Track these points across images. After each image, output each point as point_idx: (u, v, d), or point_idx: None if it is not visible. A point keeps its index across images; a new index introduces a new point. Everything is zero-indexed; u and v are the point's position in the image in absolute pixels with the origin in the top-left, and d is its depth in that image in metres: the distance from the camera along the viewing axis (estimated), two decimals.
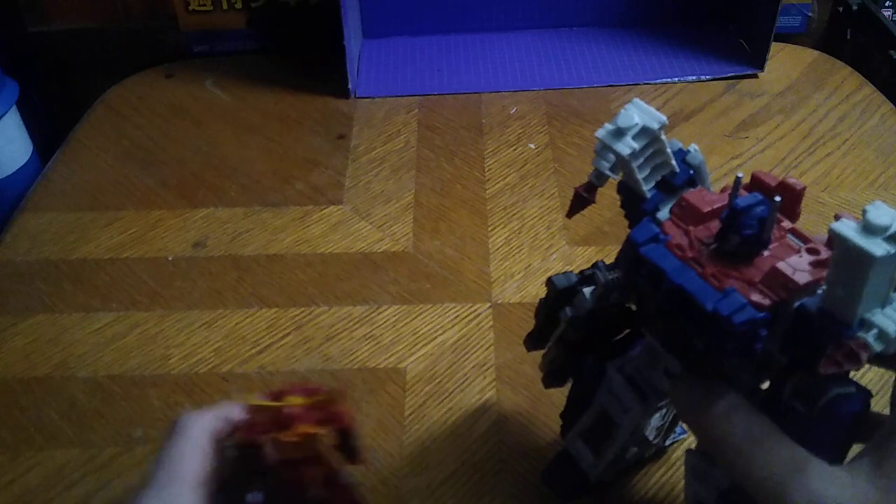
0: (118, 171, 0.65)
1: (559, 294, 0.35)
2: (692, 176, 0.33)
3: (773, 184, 0.30)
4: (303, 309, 0.52)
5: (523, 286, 0.53)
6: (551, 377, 0.38)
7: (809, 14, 0.79)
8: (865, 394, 0.28)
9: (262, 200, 0.61)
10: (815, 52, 0.76)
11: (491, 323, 0.51)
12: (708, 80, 0.72)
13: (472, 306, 0.52)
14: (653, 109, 0.31)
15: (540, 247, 0.56)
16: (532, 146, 0.66)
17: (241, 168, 0.64)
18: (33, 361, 0.49)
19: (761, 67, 0.72)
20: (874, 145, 0.64)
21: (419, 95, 0.72)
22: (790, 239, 0.29)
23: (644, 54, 0.75)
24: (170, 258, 0.56)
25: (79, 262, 0.56)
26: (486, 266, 0.55)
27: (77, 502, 0.42)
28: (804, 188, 0.30)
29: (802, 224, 0.27)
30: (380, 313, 0.52)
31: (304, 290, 0.54)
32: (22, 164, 0.69)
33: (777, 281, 0.26)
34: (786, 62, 0.74)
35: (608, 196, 0.59)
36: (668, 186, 0.32)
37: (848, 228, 0.24)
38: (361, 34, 0.79)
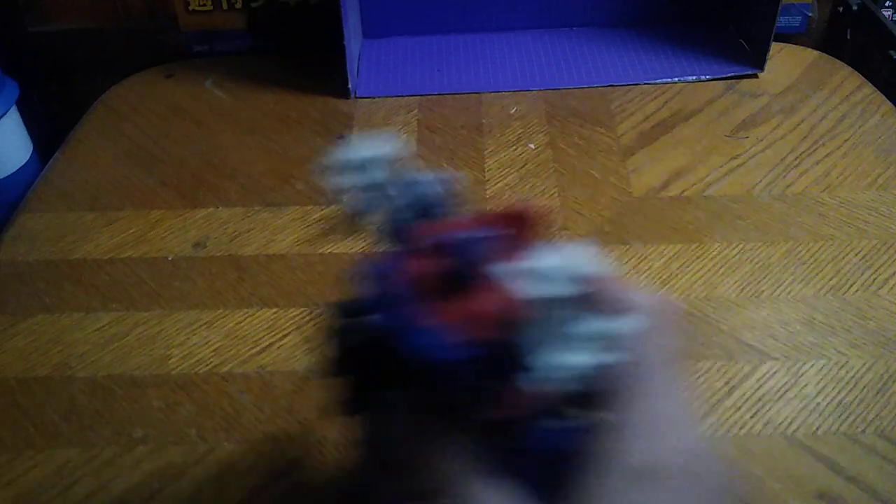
0: (118, 171, 0.65)
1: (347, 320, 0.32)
2: (444, 203, 0.32)
3: (523, 213, 0.28)
4: (303, 309, 0.52)
5: None
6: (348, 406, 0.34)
7: (809, 14, 0.79)
8: (579, 430, 0.27)
9: (262, 200, 0.61)
10: (816, 52, 0.76)
11: None
12: (708, 80, 0.72)
13: None
14: (384, 140, 0.30)
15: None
16: (532, 146, 0.66)
17: (241, 168, 0.64)
18: (33, 361, 0.49)
19: (761, 67, 0.72)
20: (874, 145, 0.64)
21: (419, 95, 0.72)
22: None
23: (644, 54, 0.75)
24: (170, 258, 0.56)
25: (79, 262, 0.56)
26: None
27: (77, 502, 0.42)
28: (540, 217, 0.28)
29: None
30: None
31: (304, 290, 0.53)
32: (22, 164, 0.69)
33: (487, 318, 0.25)
34: (786, 62, 0.74)
35: (609, 196, 0.59)
36: (422, 214, 0.31)
37: (519, 268, 0.23)
38: (361, 34, 0.79)
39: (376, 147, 0.29)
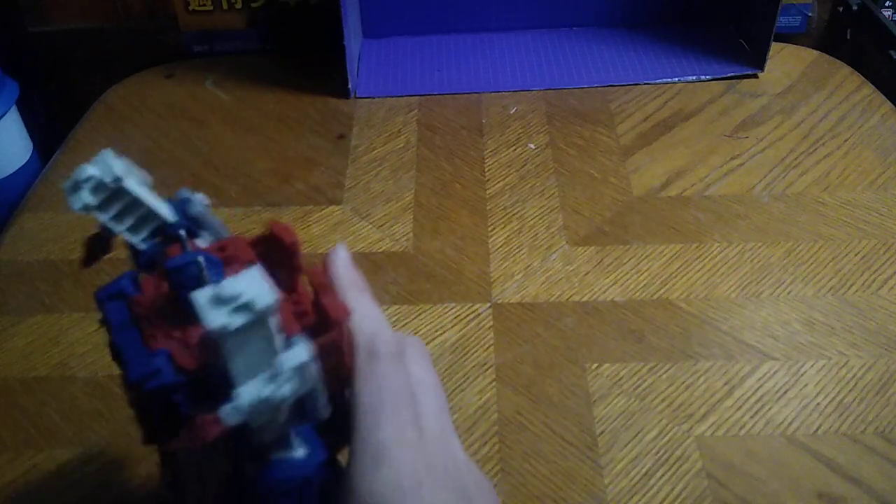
0: None
1: None
2: (190, 226, 0.31)
3: (288, 238, 0.28)
4: None
5: (523, 286, 0.53)
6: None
7: (809, 14, 0.79)
8: (318, 455, 0.26)
9: (261, 200, 0.61)
10: (815, 52, 0.76)
11: (491, 323, 0.51)
12: (708, 80, 0.72)
13: (472, 306, 0.52)
14: (118, 162, 0.28)
15: (540, 247, 0.56)
16: (532, 146, 0.66)
17: (240, 168, 0.64)
18: (33, 361, 0.49)
19: (761, 67, 0.72)
20: (874, 145, 0.64)
21: (419, 95, 0.72)
22: None
23: (644, 54, 0.75)
24: None
25: (78, 263, 0.56)
26: (486, 266, 0.55)
27: (77, 502, 0.42)
28: (294, 242, 0.27)
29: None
30: None
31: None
32: (22, 164, 0.69)
33: (192, 346, 0.25)
34: (786, 62, 0.74)
35: (609, 196, 0.59)
36: (168, 237, 0.30)
37: (202, 296, 0.22)
38: (361, 34, 0.79)
39: (112, 167, 0.28)
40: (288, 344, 0.24)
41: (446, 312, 0.52)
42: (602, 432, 0.45)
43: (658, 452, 0.44)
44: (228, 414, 0.23)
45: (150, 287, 0.28)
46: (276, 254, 0.27)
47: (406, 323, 0.51)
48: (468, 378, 0.48)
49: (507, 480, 0.43)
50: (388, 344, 0.27)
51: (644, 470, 0.43)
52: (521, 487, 0.42)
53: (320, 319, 0.27)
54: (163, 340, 0.25)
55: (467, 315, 0.52)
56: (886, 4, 0.80)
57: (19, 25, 0.79)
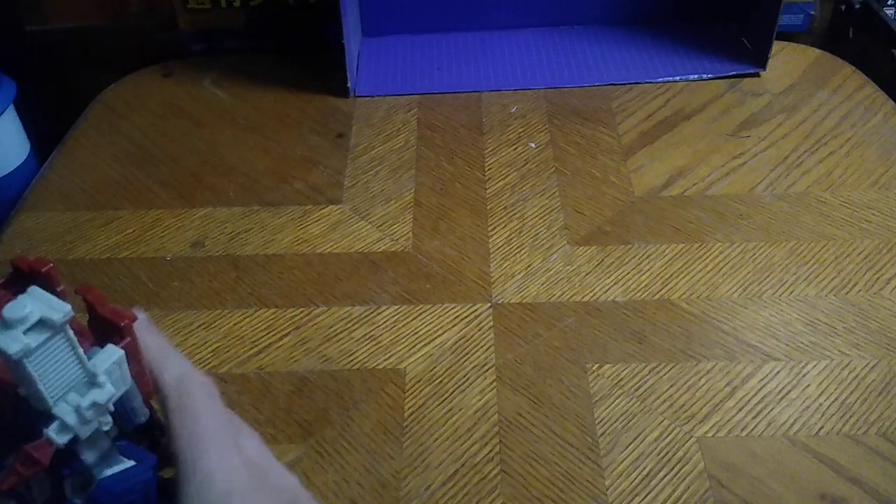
0: (116, 170, 0.64)
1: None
2: None
3: (42, 267, 0.26)
4: (301, 309, 0.52)
5: (524, 286, 0.53)
6: None
7: (811, 12, 0.79)
8: (149, 460, 0.27)
9: (260, 200, 0.61)
10: (818, 51, 0.75)
11: (491, 323, 0.51)
12: (710, 79, 0.72)
13: (472, 306, 0.52)
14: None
15: (540, 247, 0.56)
16: (532, 145, 0.65)
17: (239, 167, 0.64)
18: None
19: (763, 66, 0.72)
20: (876, 144, 0.64)
21: (419, 94, 0.71)
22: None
23: (645, 53, 0.75)
24: (168, 258, 0.56)
25: (76, 262, 0.56)
26: (486, 266, 0.55)
27: None
28: (51, 269, 0.26)
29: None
30: (379, 314, 0.51)
31: (302, 291, 0.53)
32: (19, 163, 0.68)
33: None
34: (788, 61, 0.74)
35: (610, 195, 0.59)
36: None
37: None
38: (361, 32, 0.78)
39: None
40: (90, 355, 0.24)
41: (446, 312, 0.51)
42: (603, 433, 0.44)
43: (659, 454, 0.43)
44: (56, 431, 0.23)
45: None
46: (32, 283, 0.26)
47: (406, 323, 0.51)
48: (468, 379, 0.47)
49: (508, 482, 0.42)
50: (197, 380, 0.29)
51: (645, 471, 0.43)
52: (522, 489, 0.42)
53: (104, 332, 0.26)
54: None
55: (467, 315, 0.51)
56: (889, 3, 0.80)
57: (17, 24, 0.78)
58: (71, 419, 0.23)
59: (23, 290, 0.24)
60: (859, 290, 0.52)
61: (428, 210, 0.59)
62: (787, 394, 0.46)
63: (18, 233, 0.59)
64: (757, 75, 0.72)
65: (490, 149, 0.65)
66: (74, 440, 0.24)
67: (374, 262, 0.55)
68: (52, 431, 0.23)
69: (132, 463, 0.26)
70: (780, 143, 0.65)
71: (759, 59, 0.72)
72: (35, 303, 0.23)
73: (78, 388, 0.24)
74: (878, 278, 0.53)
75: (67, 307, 0.23)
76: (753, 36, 0.74)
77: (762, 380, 0.47)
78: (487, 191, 0.61)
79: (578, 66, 0.74)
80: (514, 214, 0.59)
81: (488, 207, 0.59)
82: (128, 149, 0.67)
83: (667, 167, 0.62)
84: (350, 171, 0.63)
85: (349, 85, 0.71)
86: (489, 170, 0.63)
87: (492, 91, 0.71)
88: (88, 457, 0.25)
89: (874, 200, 0.59)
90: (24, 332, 0.22)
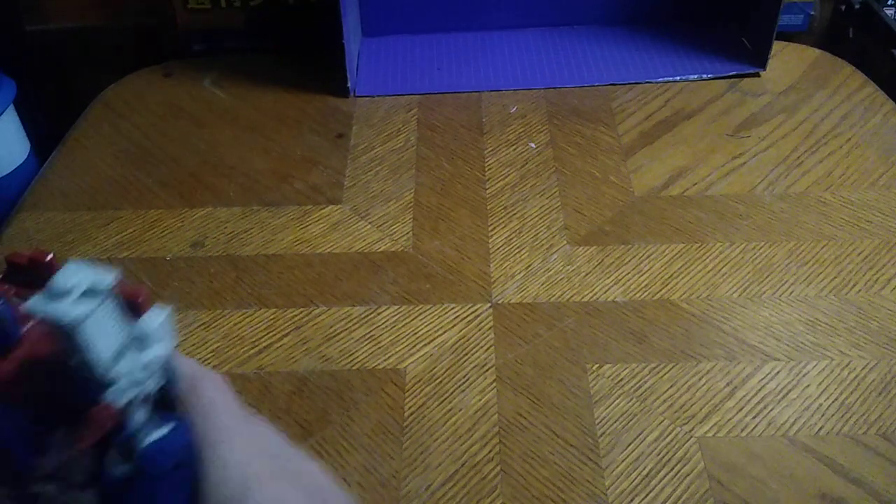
0: (116, 170, 0.64)
1: None
2: None
3: (27, 262, 0.26)
4: (302, 309, 0.52)
5: (524, 286, 0.53)
6: None
7: (811, 13, 0.79)
8: (184, 423, 0.27)
9: (260, 200, 0.61)
10: (818, 51, 0.75)
11: (491, 323, 0.51)
12: (710, 79, 0.72)
13: (472, 306, 0.52)
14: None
15: (541, 247, 0.56)
16: (532, 145, 0.65)
17: (239, 167, 0.64)
18: None
19: (763, 66, 0.72)
20: (876, 144, 0.64)
21: (419, 94, 0.71)
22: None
23: (645, 53, 0.75)
24: (168, 258, 0.56)
25: None
26: (486, 266, 0.55)
27: None
28: (53, 258, 0.26)
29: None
30: (379, 314, 0.51)
31: (302, 291, 0.53)
32: (19, 163, 0.68)
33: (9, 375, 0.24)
34: (788, 61, 0.74)
35: (610, 196, 0.58)
36: None
37: (37, 302, 0.22)
38: (361, 32, 0.78)
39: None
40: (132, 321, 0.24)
41: (446, 313, 0.51)
42: (603, 433, 0.44)
43: (659, 454, 0.43)
44: (115, 395, 0.23)
45: None
46: (32, 276, 0.26)
47: (406, 323, 0.51)
48: (468, 379, 0.47)
49: (508, 482, 0.42)
50: (209, 375, 0.29)
51: (645, 471, 0.42)
52: (522, 489, 0.42)
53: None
54: None
55: (467, 315, 0.51)
56: (889, 3, 0.80)
57: (17, 24, 0.78)
58: (127, 381, 0.24)
59: (23, 284, 0.24)
60: (859, 290, 0.52)
61: (428, 210, 0.59)
62: (787, 394, 0.46)
63: (18, 233, 0.59)
64: (757, 75, 0.72)
65: (490, 149, 0.65)
66: (126, 406, 0.24)
67: (374, 262, 0.55)
68: (111, 395, 0.23)
69: (167, 429, 0.26)
70: (780, 143, 0.65)
71: (759, 59, 0.72)
72: (80, 273, 0.23)
73: (127, 352, 0.24)
74: (878, 278, 0.53)
75: (112, 276, 0.23)
76: (753, 36, 0.74)
77: (762, 380, 0.47)
78: (487, 191, 0.61)
79: (578, 66, 0.74)
80: (514, 214, 0.59)
81: (488, 207, 0.59)
82: (128, 149, 0.67)
83: (667, 167, 0.62)
84: (350, 171, 0.63)
85: (349, 85, 0.71)
86: (489, 170, 0.63)
87: (492, 91, 0.71)
88: (135, 422, 0.25)
89: (874, 200, 0.59)
90: (75, 302, 0.22)
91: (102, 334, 0.23)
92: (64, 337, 0.23)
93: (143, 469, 0.25)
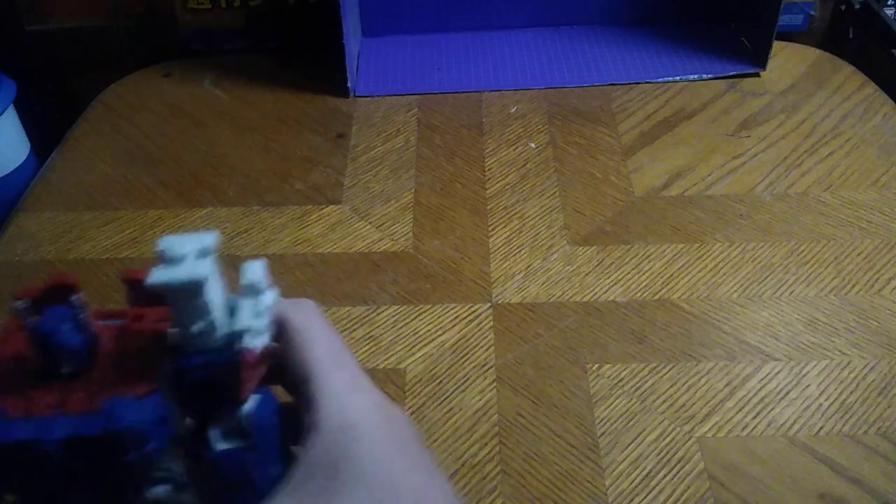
0: (116, 170, 0.64)
1: None
2: None
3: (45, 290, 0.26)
4: None
5: (524, 286, 0.53)
6: None
7: (811, 13, 0.79)
8: (266, 389, 0.27)
9: (260, 200, 0.61)
10: (818, 51, 0.75)
11: (491, 323, 0.51)
12: (710, 79, 0.72)
13: (472, 306, 0.52)
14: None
15: (541, 247, 0.56)
16: (533, 145, 0.65)
17: (239, 167, 0.64)
18: None
19: (763, 66, 0.72)
20: (877, 144, 0.64)
21: (419, 94, 0.71)
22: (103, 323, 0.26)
23: (645, 53, 0.75)
24: None
25: (76, 262, 0.56)
26: (486, 266, 0.55)
27: None
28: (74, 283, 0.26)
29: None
30: (379, 314, 0.51)
31: (302, 291, 0.53)
32: (19, 163, 0.68)
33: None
34: (788, 61, 0.74)
35: (610, 196, 0.58)
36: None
37: (160, 274, 0.23)
38: (361, 32, 0.78)
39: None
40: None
41: (446, 313, 0.51)
42: (603, 433, 0.44)
43: (659, 454, 0.43)
44: (252, 341, 0.24)
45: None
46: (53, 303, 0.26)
47: (406, 323, 0.51)
48: (468, 379, 0.47)
49: (508, 482, 0.42)
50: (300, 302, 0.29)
51: (645, 471, 0.42)
52: (522, 489, 0.42)
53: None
54: (98, 395, 0.23)
55: (467, 315, 0.51)
56: (889, 3, 0.80)
57: (17, 24, 0.78)
58: (257, 324, 0.24)
59: (40, 312, 0.24)
60: (859, 290, 0.52)
61: (428, 210, 0.59)
62: (787, 394, 0.46)
63: (18, 233, 0.59)
64: (757, 75, 0.72)
65: (490, 149, 0.65)
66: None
67: (374, 262, 0.55)
68: (248, 342, 0.24)
69: (258, 397, 0.26)
70: (780, 143, 0.65)
71: (759, 59, 0.72)
72: (184, 240, 0.24)
73: (242, 303, 0.25)
74: (878, 278, 0.53)
75: (212, 236, 0.24)
76: (753, 36, 0.74)
77: (762, 380, 0.47)
78: (487, 191, 0.61)
79: (578, 66, 0.74)
80: (514, 214, 0.59)
81: (488, 207, 0.59)
82: (128, 149, 0.67)
83: (667, 167, 0.62)
84: (350, 171, 0.63)
85: (349, 85, 0.71)
86: (489, 170, 0.63)
87: (492, 91, 0.71)
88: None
89: (874, 200, 0.59)
90: (194, 261, 0.23)
91: (213, 295, 0.24)
92: (185, 298, 0.23)
93: (253, 440, 0.25)
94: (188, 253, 0.23)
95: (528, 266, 0.55)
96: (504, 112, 0.69)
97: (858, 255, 0.54)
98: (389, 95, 0.71)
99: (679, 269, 0.54)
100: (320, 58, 0.74)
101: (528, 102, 0.70)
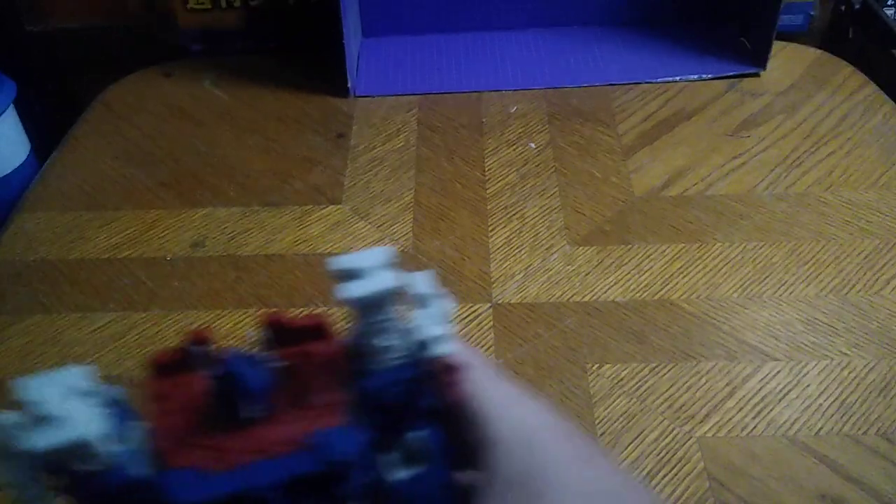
0: (116, 170, 0.64)
1: None
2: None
3: (315, 321, 0.26)
4: (302, 309, 0.52)
5: (524, 286, 0.53)
6: None
7: (811, 13, 0.79)
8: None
9: (260, 200, 0.61)
10: (818, 51, 0.75)
11: (491, 323, 0.51)
12: (709, 79, 0.72)
13: (472, 306, 0.52)
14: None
15: (540, 247, 0.56)
16: (532, 145, 0.65)
17: (239, 167, 0.64)
18: (30, 362, 0.49)
19: (763, 66, 0.72)
20: (876, 144, 0.64)
21: (419, 94, 0.71)
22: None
23: (645, 53, 0.75)
24: (168, 258, 0.56)
25: (76, 262, 0.56)
26: (486, 266, 0.55)
27: None
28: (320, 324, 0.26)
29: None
30: None
31: (303, 291, 0.53)
32: (19, 163, 0.68)
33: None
34: (788, 61, 0.74)
35: (610, 196, 0.58)
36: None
37: (352, 290, 0.23)
38: (361, 33, 0.78)
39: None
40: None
41: None
42: (603, 433, 0.44)
43: (659, 454, 0.43)
44: (438, 349, 0.24)
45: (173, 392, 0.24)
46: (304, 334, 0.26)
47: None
48: None
49: None
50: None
51: (645, 471, 0.42)
52: None
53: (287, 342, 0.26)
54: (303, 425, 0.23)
55: (467, 315, 0.51)
56: (889, 3, 0.80)
57: (17, 24, 0.78)
58: (440, 331, 0.24)
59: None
60: (859, 290, 0.52)
61: (428, 210, 0.59)
62: (787, 394, 0.46)
63: (18, 233, 0.59)
64: (757, 75, 0.72)
65: (490, 149, 0.65)
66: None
67: None
68: (435, 351, 0.24)
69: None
70: (780, 143, 0.65)
71: (759, 60, 0.72)
72: (365, 254, 0.24)
73: (417, 312, 0.25)
74: (878, 278, 0.53)
75: (388, 248, 0.24)
76: (753, 36, 0.74)
77: (762, 380, 0.47)
78: (487, 191, 0.61)
79: (578, 67, 0.74)
80: (514, 214, 0.59)
81: (488, 207, 0.59)
82: (128, 149, 0.67)
83: (667, 167, 0.62)
84: (350, 171, 0.63)
85: (349, 85, 0.71)
86: (489, 170, 0.63)
87: (492, 91, 0.71)
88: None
89: (874, 200, 0.59)
90: (382, 274, 0.23)
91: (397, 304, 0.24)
92: (377, 310, 0.23)
93: (431, 464, 0.25)
94: (370, 267, 0.24)
95: (528, 266, 0.55)
96: (504, 112, 0.69)
97: (858, 255, 0.54)
98: (389, 95, 0.71)
99: (679, 269, 0.54)
100: (320, 58, 0.74)
101: (528, 102, 0.70)
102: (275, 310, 0.26)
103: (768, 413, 0.45)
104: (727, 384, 0.47)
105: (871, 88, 0.70)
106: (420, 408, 0.24)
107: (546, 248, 0.56)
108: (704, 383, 0.47)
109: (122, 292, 0.53)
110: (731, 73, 0.72)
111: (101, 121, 0.70)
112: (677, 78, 0.72)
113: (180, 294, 0.53)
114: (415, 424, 0.25)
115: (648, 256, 0.55)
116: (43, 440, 0.20)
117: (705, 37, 0.76)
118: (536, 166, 0.63)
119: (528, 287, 0.53)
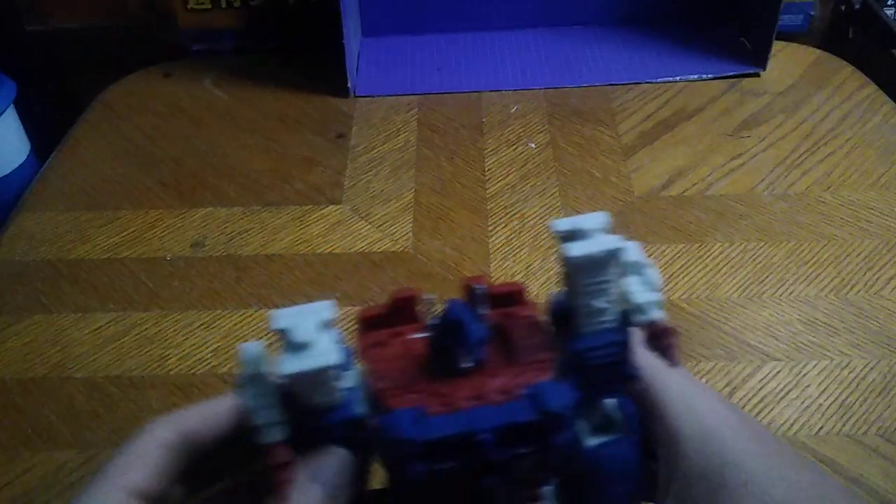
0: (116, 170, 0.64)
1: None
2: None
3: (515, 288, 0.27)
4: None
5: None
6: None
7: (811, 13, 0.79)
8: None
9: (260, 200, 0.61)
10: (818, 51, 0.75)
11: None
12: (710, 79, 0.72)
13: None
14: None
15: (540, 247, 0.56)
16: (532, 145, 0.65)
17: (239, 167, 0.64)
18: (31, 362, 0.49)
19: (763, 66, 0.72)
20: (876, 144, 0.64)
21: (419, 94, 0.71)
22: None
23: (646, 53, 0.75)
24: (168, 258, 0.56)
25: (76, 262, 0.56)
26: (486, 266, 0.55)
27: None
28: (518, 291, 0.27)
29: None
30: None
31: (302, 291, 0.53)
32: (19, 163, 0.68)
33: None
34: (788, 61, 0.74)
35: (610, 196, 0.58)
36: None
37: (574, 246, 0.25)
38: (361, 32, 0.78)
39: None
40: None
41: None
42: None
43: None
44: (648, 315, 0.25)
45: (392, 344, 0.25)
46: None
47: None
48: None
49: None
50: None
51: None
52: None
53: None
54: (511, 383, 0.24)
55: None
56: (888, 3, 0.80)
57: (17, 24, 0.78)
58: (651, 298, 0.25)
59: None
60: (859, 291, 0.52)
61: (428, 210, 0.59)
62: (787, 394, 0.46)
63: (18, 233, 0.59)
64: (757, 75, 0.72)
65: (490, 149, 0.65)
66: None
67: (374, 262, 0.55)
68: (645, 317, 0.25)
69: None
70: (780, 143, 0.65)
71: (759, 59, 0.72)
72: (581, 218, 0.25)
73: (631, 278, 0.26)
74: (878, 278, 0.53)
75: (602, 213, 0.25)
76: (753, 36, 0.74)
77: (762, 380, 0.47)
78: (487, 191, 0.61)
79: (578, 67, 0.74)
80: (514, 214, 0.59)
81: (488, 207, 0.59)
82: (128, 149, 0.67)
83: (667, 167, 0.62)
84: (350, 171, 0.63)
85: (349, 85, 0.71)
86: (489, 170, 0.63)
87: (492, 91, 0.71)
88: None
89: (874, 200, 0.59)
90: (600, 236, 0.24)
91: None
92: (600, 270, 0.25)
93: (626, 432, 0.25)
94: (593, 229, 0.25)
95: (528, 266, 0.55)
96: (504, 112, 0.69)
97: (858, 255, 0.54)
98: (389, 95, 0.71)
99: (679, 269, 0.54)
100: (320, 58, 0.74)
101: (528, 102, 0.70)
102: (477, 275, 0.27)
103: (768, 413, 0.45)
104: (727, 384, 0.47)
105: (871, 88, 0.70)
106: (622, 373, 0.25)
107: (546, 248, 0.56)
108: (705, 383, 0.47)
109: (122, 292, 0.53)
110: (731, 73, 0.72)
111: (101, 121, 0.70)
112: (677, 78, 0.72)
113: (180, 294, 0.53)
114: (614, 390, 0.25)
115: (648, 256, 0.55)
116: (293, 365, 0.22)
117: (705, 37, 0.76)
118: (536, 166, 0.63)
119: (527, 287, 0.53)
